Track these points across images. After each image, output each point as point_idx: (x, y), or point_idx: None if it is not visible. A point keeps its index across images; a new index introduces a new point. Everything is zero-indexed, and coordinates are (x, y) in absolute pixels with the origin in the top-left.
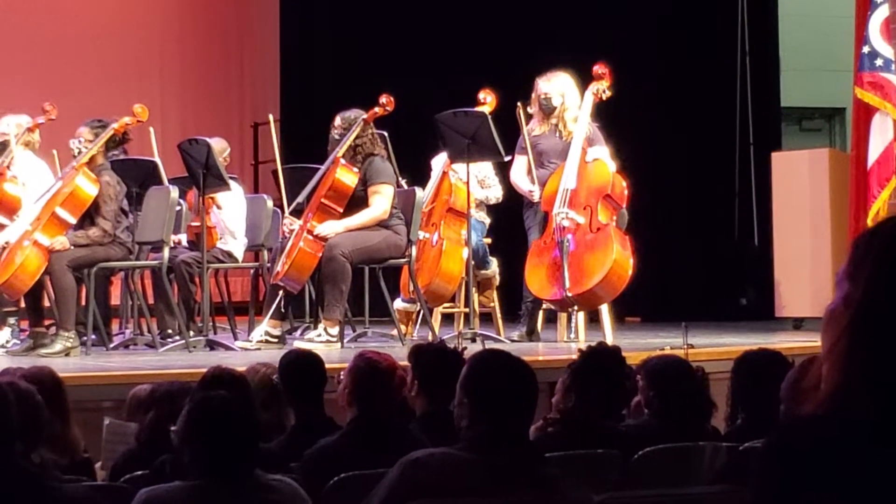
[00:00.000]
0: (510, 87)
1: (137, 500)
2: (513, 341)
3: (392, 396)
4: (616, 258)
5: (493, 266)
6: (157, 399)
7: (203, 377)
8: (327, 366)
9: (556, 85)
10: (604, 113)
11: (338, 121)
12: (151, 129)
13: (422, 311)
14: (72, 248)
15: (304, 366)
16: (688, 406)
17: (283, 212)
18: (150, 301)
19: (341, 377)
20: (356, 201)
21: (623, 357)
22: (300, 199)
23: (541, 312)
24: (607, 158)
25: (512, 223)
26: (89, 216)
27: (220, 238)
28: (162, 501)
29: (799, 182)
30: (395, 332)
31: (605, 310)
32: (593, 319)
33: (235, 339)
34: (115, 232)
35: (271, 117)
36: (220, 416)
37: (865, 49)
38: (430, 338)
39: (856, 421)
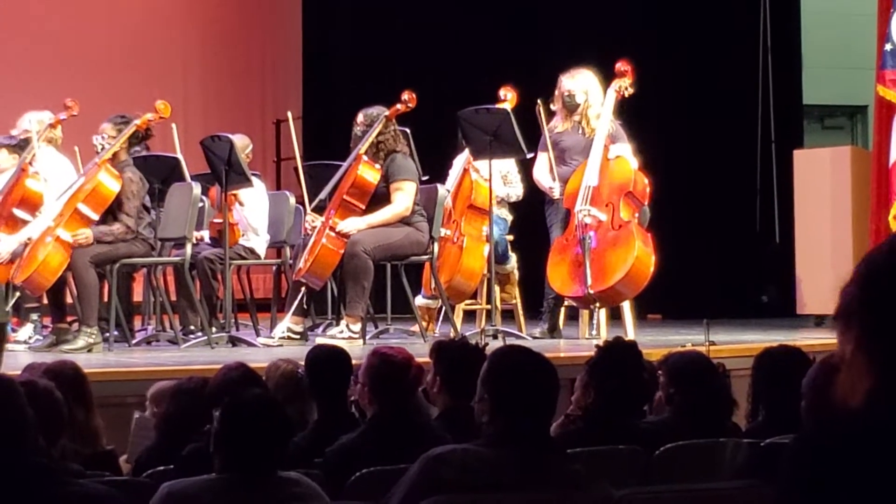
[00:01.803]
0: (531, 84)
1: (159, 494)
2: (534, 338)
3: (410, 389)
4: (638, 255)
5: (512, 261)
6: (168, 395)
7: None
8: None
9: (580, 82)
10: (626, 110)
11: (360, 117)
12: (174, 126)
13: (444, 308)
14: (94, 243)
15: (331, 361)
16: (709, 402)
17: (305, 209)
18: (173, 297)
19: (357, 377)
20: (378, 198)
21: (640, 351)
22: (322, 195)
23: (563, 309)
24: (629, 156)
25: (534, 220)
26: (112, 212)
27: (243, 235)
28: (184, 495)
29: (821, 179)
30: (416, 328)
31: (626, 307)
32: (615, 316)
33: (258, 335)
34: (138, 228)
35: (290, 114)
36: (254, 414)
37: (887, 47)
38: (451, 334)
39: (887, 422)
